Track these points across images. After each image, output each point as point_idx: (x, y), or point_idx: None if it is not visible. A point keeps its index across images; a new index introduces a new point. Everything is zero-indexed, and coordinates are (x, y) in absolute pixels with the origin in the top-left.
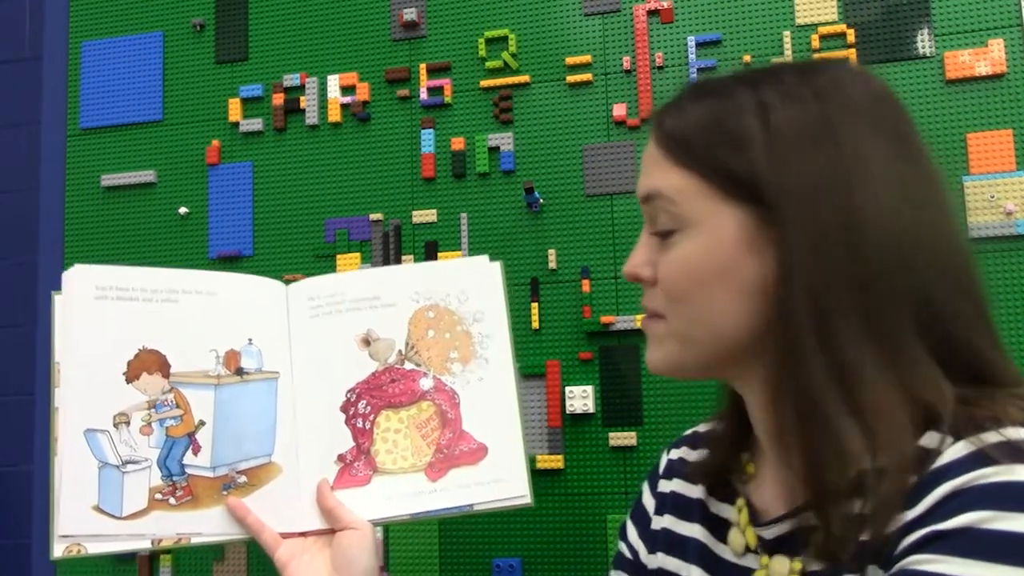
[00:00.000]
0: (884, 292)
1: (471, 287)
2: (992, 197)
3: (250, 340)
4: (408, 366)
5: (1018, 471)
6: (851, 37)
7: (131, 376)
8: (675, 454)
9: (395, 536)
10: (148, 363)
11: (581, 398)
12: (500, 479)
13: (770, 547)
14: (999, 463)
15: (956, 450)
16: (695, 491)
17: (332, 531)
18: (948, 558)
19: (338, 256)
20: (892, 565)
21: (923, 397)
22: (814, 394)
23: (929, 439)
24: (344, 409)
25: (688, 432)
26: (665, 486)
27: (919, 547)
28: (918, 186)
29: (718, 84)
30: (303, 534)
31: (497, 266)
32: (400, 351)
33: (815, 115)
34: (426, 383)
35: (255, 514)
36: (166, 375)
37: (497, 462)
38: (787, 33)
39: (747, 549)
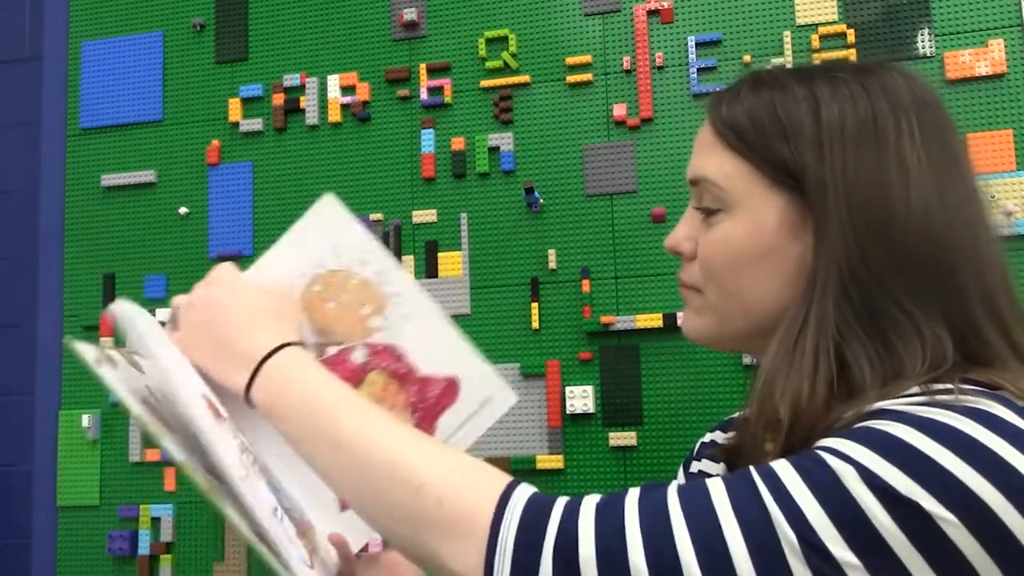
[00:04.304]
0: (909, 281)
1: (335, 236)
2: (992, 197)
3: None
4: (332, 350)
5: (928, 410)
6: (851, 37)
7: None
8: (708, 437)
9: None
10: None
11: (581, 398)
12: (486, 399)
13: None
14: (914, 404)
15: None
16: (716, 468)
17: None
18: (887, 422)
19: None
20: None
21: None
22: (813, 339)
23: None
24: None
25: (726, 418)
26: (695, 466)
27: (864, 418)
28: (954, 189)
29: (775, 77)
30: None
31: (331, 198)
32: (315, 344)
33: (863, 114)
34: (359, 355)
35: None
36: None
37: (473, 385)
38: (787, 33)
39: None
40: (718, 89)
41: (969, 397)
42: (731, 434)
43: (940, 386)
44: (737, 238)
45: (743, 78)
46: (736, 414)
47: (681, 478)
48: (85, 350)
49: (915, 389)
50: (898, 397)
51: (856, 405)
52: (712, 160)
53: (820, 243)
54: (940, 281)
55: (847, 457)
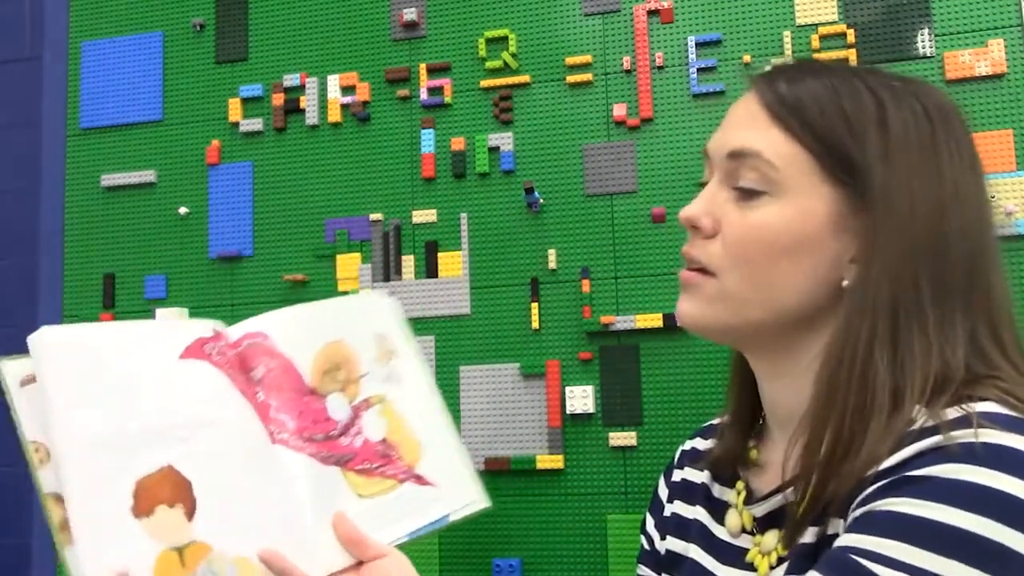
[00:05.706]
0: (953, 289)
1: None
2: (992, 197)
3: None
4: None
5: (981, 434)
6: (851, 37)
7: None
8: (688, 445)
9: None
10: None
11: (581, 398)
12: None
13: (763, 524)
14: (957, 429)
15: (924, 420)
16: (701, 476)
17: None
18: (913, 500)
19: (338, 256)
20: (852, 510)
21: (948, 378)
22: (873, 365)
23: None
24: None
25: (705, 425)
26: (677, 475)
27: (887, 489)
28: (983, 202)
29: (832, 66)
30: None
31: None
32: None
33: (923, 127)
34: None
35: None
36: None
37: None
38: (787, 33)
39: (743, 530)
40: (769, 67)
41: (989, 431)
42: (712, 442)
43: (955, 415)
44: (780, 225)
45: (796, 61)
46: (716, 420)
47: (663, 487)
48: (10, 368)
49: (930, 422)
50: (914, 440)
51: (893, 419)
52: (762, 137)
53: (874, 253)
54: (972, 299)
55: (893, 562)
